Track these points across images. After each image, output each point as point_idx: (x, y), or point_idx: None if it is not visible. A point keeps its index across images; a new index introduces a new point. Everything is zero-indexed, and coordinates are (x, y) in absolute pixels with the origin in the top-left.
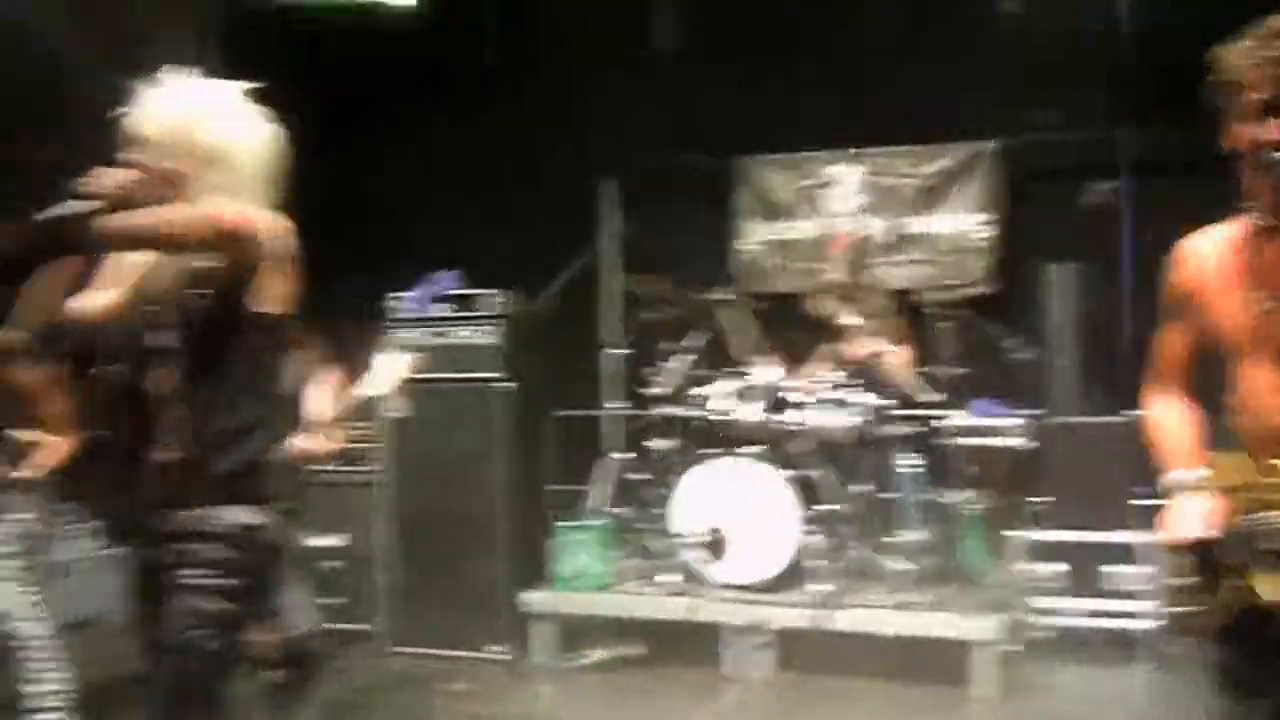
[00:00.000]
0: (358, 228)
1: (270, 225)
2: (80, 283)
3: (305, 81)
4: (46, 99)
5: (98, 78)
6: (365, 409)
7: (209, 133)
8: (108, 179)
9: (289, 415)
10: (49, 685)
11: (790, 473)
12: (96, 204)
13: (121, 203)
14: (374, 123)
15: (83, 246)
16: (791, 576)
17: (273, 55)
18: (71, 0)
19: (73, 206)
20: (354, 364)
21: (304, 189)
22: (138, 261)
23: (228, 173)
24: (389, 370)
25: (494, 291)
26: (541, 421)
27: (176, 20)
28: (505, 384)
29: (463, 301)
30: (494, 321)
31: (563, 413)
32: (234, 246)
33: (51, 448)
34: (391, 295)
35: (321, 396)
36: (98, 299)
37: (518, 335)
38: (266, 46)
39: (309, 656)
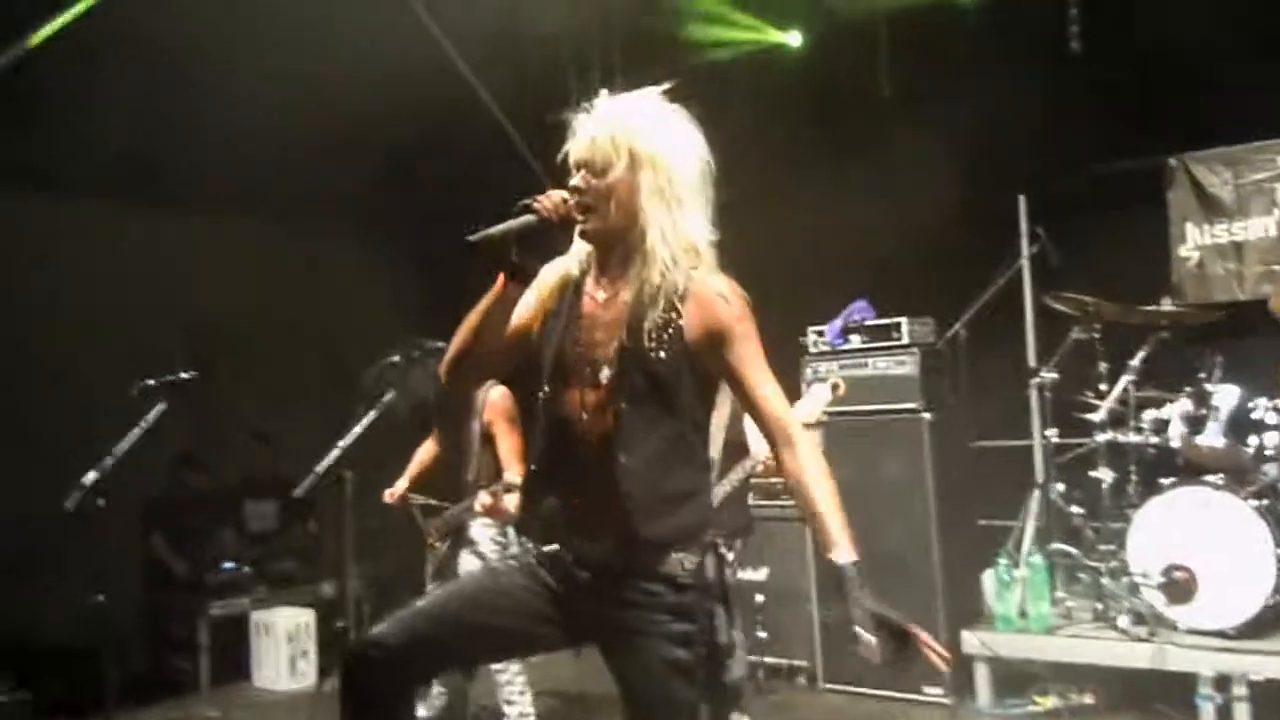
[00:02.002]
0: (774, 261)
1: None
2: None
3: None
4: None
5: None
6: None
7: (642, 138)
8: (546, 199)
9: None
10: (520, 708)
11: (1261, 503)
12: (531, 220)
13: (561, 222)
14: (775, 157)
15: (508, 264)
16: (1269, 621)
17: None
18: None
19: (512, 225)
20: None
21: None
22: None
23: (665, 178)
24: (816, 398)
25: (909, 319)
26: (966, 452)
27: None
28: (926, 414)
29: (877, 331)
30: (910, 350)
31: (988, 443)
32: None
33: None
34: (811, 328)
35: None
36: None
37: (936, 363)
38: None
39: (736, 690)
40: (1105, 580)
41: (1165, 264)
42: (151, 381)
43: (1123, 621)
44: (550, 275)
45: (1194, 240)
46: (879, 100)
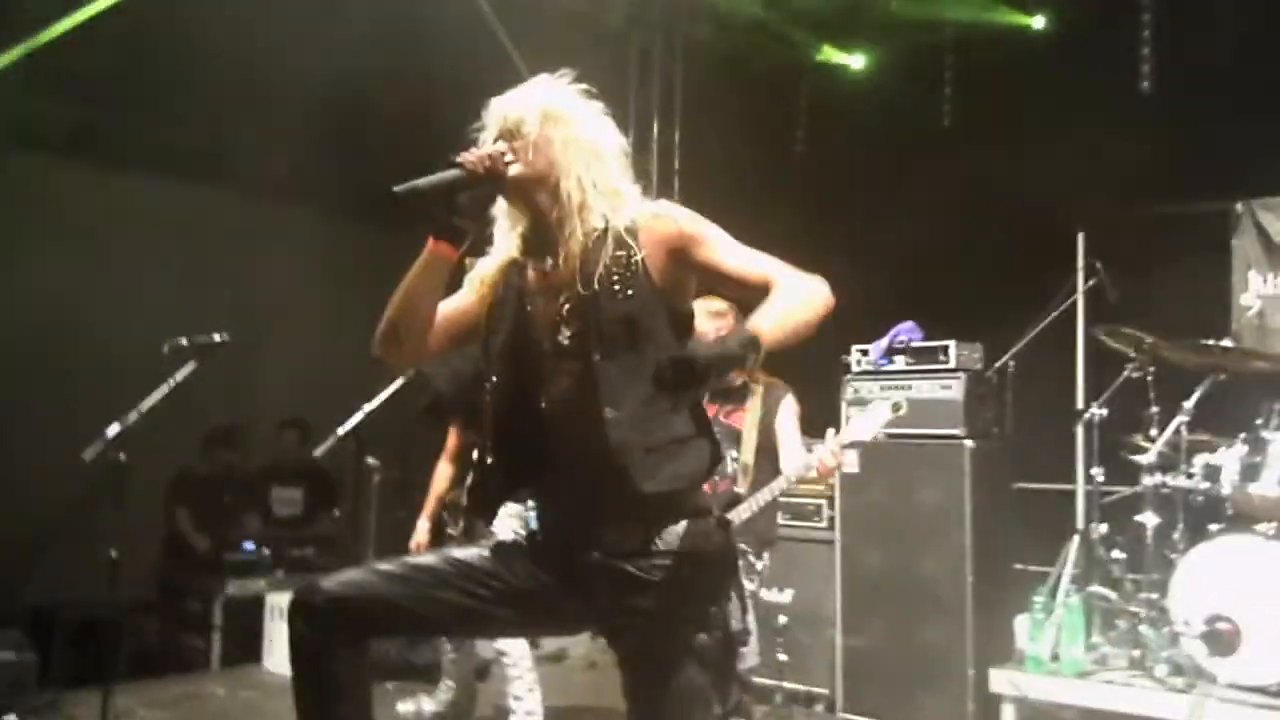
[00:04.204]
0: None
1: None
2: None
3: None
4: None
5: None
6: (830, 472)
7: (549, 99)
8: (470, 153)
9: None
10: (527, 705)
11: None
12: (458, 174)
13: (488, 174)
14: (836, 175)
15: (438, 220)
16: None
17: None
18: None
19: (435, 179)
20: (820, 414)
21: (772, 245)
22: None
23: (576, 131)
24: (875, 416)
25: (956, 344)
26: (1007, 490)
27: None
28: (968, 441)
29: (923, 354)
30: (956, 375)
31: (1030, 485)
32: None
33: None
34: (856, 347)
35: (799, 438)
36: None
37: (982, 391)
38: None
39: (746, 682)
40: (1144, 628)
41: (1225, 311)
42: (184, 341)
43: (1160, 671)
44: (488, 265)
45: (1256, 289)
46: (941, 128)
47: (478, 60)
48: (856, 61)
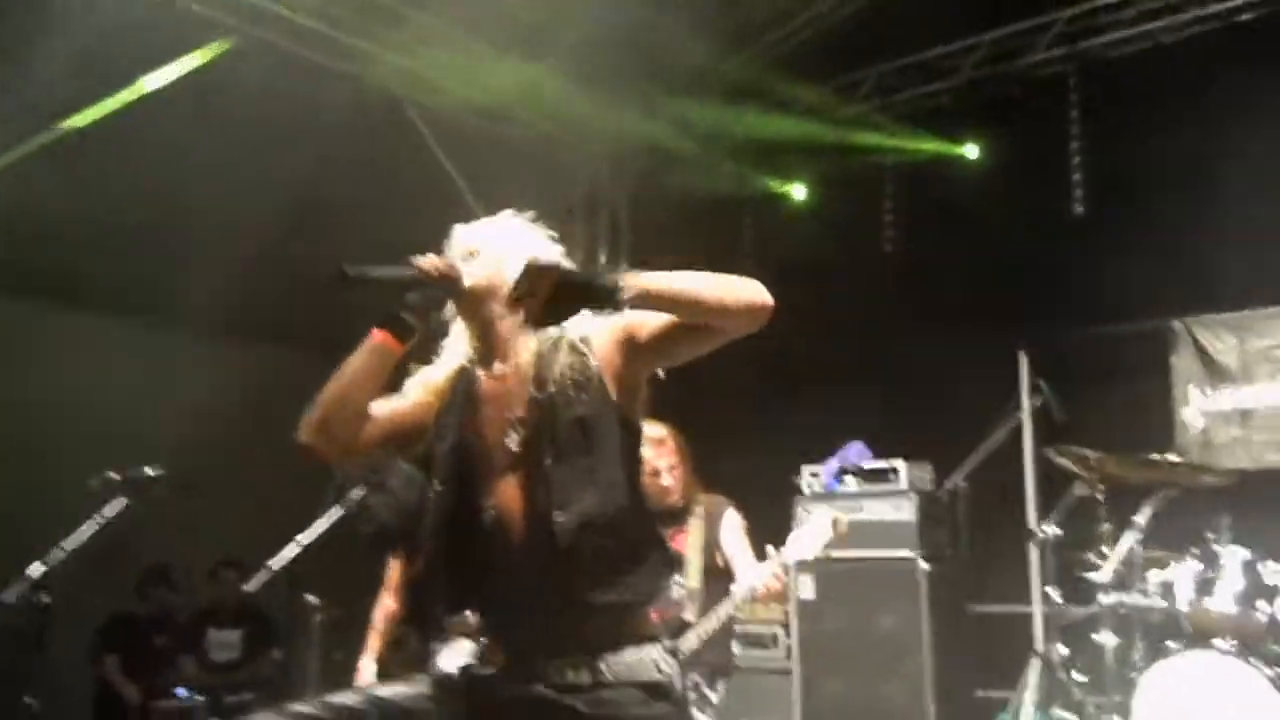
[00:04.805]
0: (773, 402)
1: None
2: None
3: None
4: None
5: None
6: (778, 594)
7: (499, 225)
8: (427, 258)
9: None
10: None
11: (1275, 672)
12: (411, 273)
13: (441, 279)
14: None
15: (384, 311)
16: None
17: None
18: None
19: (389, 270)
20: (769, 533)
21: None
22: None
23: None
24: (816, 533)
25: (907, 463)
26: (964, 613)
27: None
28: (924, 563)
29: (874, 475)
30: (908, 495)
31: (987, 608)
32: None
33: None
34: (807, 469)
35: (747, 552)
36: None
37: (935, 511)
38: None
39: None
40: None
41: (1169, 427)
42: (114, 474)
43: None
44: (438, 371)
45: (1198, 405)
46: (882, 253)
47: (430, 196)
48: (798, 191)
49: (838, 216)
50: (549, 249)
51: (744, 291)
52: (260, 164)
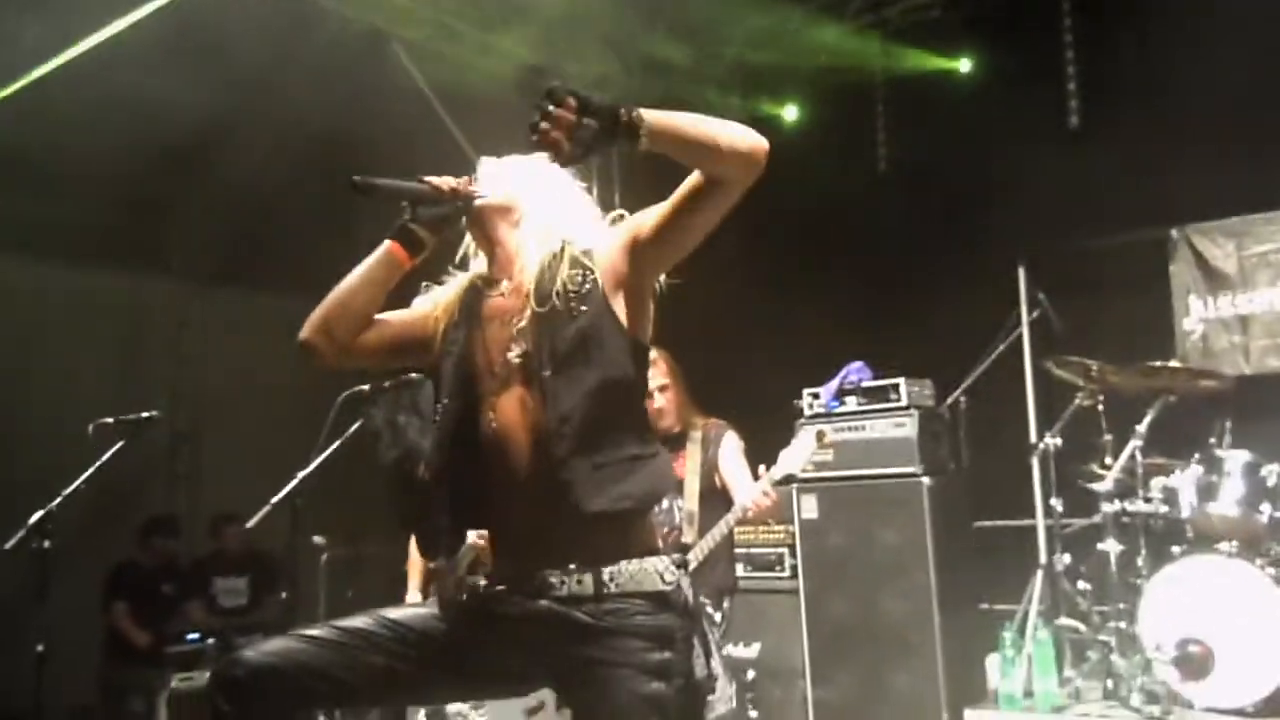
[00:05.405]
0: (774, 325)
1: None
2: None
3: None
4: None
5: None
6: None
7: (513, 160)
8: (441, 179)
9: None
10: None
11: (1277, 572)
12: (423, 188)
13: (453, 195)
14: (774, 222)
15: (396, 223)
16: None
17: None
18: None
19: (399, 183)
20: (773, 457)
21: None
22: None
23: (556, 191)
24: (801, 448)
25: (906, 381)
26: (968, 528)
27: None
28: (925, 479)
29: (874, 393)
30: (909, 412)
31: (991, 523)
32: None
33: None
34: (807, 390)
35: (746, 474)
36: None
37: (936, 427)
38: None
39: None
40: (1115, 657)
41: (1168, 336)
42: (109, 420)
43: (1135, 700)
44: (448, 289)
45: (1198, 313)
46: (877, 172)
47: (421, 138)
48: (790, 113)
49: (831, 136)
50: (571, 187)
51: (741, 131)
52: (247, 105)
